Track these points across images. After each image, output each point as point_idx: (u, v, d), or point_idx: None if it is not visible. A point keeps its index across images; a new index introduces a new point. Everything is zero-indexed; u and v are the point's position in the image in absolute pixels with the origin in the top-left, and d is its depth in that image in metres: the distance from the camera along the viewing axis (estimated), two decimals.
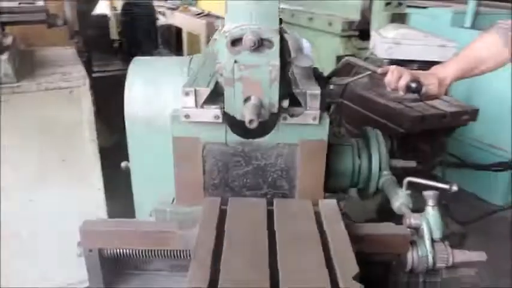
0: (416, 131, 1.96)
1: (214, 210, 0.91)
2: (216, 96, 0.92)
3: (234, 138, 0.95)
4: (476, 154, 2.94)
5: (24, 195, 1.78)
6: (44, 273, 1.93)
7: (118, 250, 0.95)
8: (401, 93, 1.26)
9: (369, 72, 1.70)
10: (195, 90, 0.89)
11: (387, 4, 2.36)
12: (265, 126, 0.92)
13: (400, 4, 2.37)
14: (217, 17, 5.50)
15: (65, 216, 1.88)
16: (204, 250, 0.78)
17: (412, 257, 0.95)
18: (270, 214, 0.91)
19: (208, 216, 0.89)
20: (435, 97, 1.30)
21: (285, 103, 0.85)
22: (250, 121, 0.75)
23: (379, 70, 1.31)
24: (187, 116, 0.91)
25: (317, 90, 0.89)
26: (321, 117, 0.91)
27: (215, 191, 1.00)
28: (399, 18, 2.38)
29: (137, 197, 1.53)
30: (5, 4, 1.69)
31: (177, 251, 0.94)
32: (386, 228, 0.95)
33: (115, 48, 3.62)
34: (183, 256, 0.95)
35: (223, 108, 0.89)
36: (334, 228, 0.86)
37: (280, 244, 0.80)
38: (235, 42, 0.81)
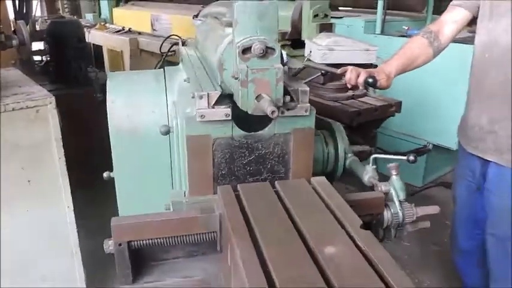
0: (354, 125, 2.26)
1: (231, 194, 1.07)
2: (221, 98, 1.08)
3: (238, 132, 1.12)
4: (397, 144, 3.38)
5: None
6: None
7: (143, 242, 1.06)
8: (360, 87, 1.52)
9: (319, 74, 1.96)
10: (208, 94, 1.05)
11: (315, 16, 2.66)
12: (265, 120, 1.11)
13: (326, 16, 2.69)
14: (139, 33, 5.53)
15: (33, 238, 1.87)
16: (239, 224, 0.94)
17: (387, 215, 1.19)
18: (276, 193, 1.09)
19: (228, 200, 1.04)
20: (385, 88, 1.57)
21: (286, 98, 1.04)
22: (273, 112, 0.93)
23: (339, 71, 1.56)
24: (202, 116, 1.06)
25: (307, 88, 1.10)
26: (310, 109, 1.11)
27: (223, 180, 1.15)
28: (326, 28, 2.70)
29: (121, 205, 1.61)
30: None
31: (197, 235, 1.08)
32: (366, 194, 1.18)
33: (40, 68, 3.52)
34: (203, 240, 1.09)
35: (231, 107, 1.06)
36: (333, 197, 1.07)
37: (298, 216, 0.98)
38: (245, 51, 0.98)
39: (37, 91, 1.82)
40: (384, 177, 1.27)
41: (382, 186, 1.22)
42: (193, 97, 1.08)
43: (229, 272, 0.98)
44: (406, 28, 3.58)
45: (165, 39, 4.47)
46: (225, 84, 1.09)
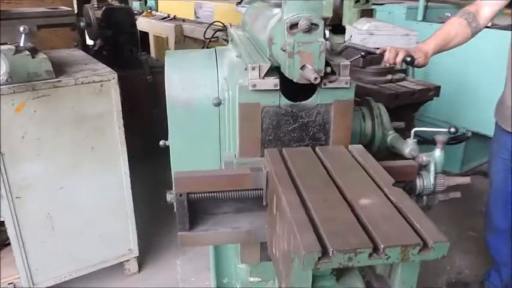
0: (391, 107, 2.34)
1: (277, 156, 1.21)
2: (270, 70, 1.22)
3: (285, 101, 1.25)
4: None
5: (56, 183, 1.97)
6: (73, 253, 2.12)
7: (200, 195, 1.22)
8: (398, 66, 1.62)
9: (358, 57, 2.05)
10: (259, 66, 1.19)
11: (356, 2, 2.74)
12: (308, 91, 1.24)
13: (367, 1, 2.77)
14: (184, 20, 5.74)
15: (94, 200, 2.09)
16: (284, 178, 1.08)
17: (419, 182, 1.29)
18: (317, 156, 1.22)
19: (275, 159, 1.18)
20: (423, 66, 1.66)
21: (328, 69, 1.17)
22: (315, 78, 1.06)
23: (378, 51, 1.66)
24: (254, 86, 1.20)
25: (348, 62, 1.22)
26: (350, 82, 1.23)
27: (270, 145, 1.29)
28: (367, 14, 2.78)
29: (175, 170, 1.79)
30: (36, 9, 1.88)
31: (246, 191, 1.22)
32: (400, 162, 1.29)
33: (94, 52, 3.77)
34: (251, 196, 1.24)
35: (279, 77, 1.20)
36: (368, 161, 1.19)
37: (336, 174, 1.10)
38: (292, 26, 1.11)
39: (101, 68, 2.03)
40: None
41: (424, 157, 1.32)
42: (245, 69, 1.23)
43: (273, 222, 1.13)
44: (449, 15, 3.57)
45: (208, 26, 4.66)
46: (273, 58, 1.23)
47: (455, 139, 3.49)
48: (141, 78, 3.36)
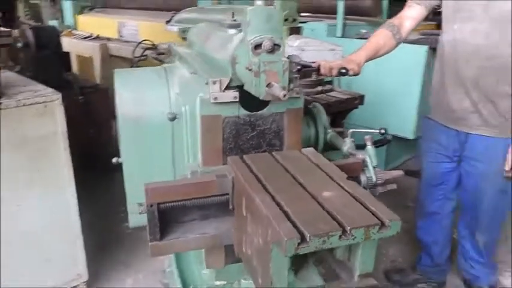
0: None
1: (240, 162, 1.31)
2: (229, 84, 1.33)
3: (243, 112, 1.37)
4: (360, 135, 3.71)
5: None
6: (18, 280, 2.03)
7: (170, 204, 1.28)
8: (332, 77, 1.81)
9: (295, 70, 2.23)
10: (220, 80, 1.29)
11: (285, 20, 2.96)
12: (264, 102, 1.36)
13: (294, 20, 2.99)
14: (108, 39, 5.65)
15: (40, 224, 2.03)
16: (252, 181, 1.18)
17: (363, 177, 1.47)
18: (276, 160, 1.34)
19: (239, 165, 1.28)
20: (356, 75, 1.85)
21: (291, 86, 1.30)
22: (284, 95, 1.17)
23: (314, 64, 1.84)
24: (215, 98, 1.30)
25: (297, 74, 1.37)
26: (299, 92, 1.38)
27: (231, 153, 1.40)
28: (295, 31, 3.00)
29: (129, 188, 1.81)
30: None
31: (214, 196, 1.31)
32: (348, 160, 1.46)
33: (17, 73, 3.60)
34: (218, 201, 1.32)
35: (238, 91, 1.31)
36: (321, 161, 1.33)
37: (297, 174, 1.23)
38: (257, 47, 1.22)
39: (42, 89, 1.99)
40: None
41: (360, 155, 1.50)
42: (206, 83, 1.32)
43: (243, 224, 1.22)
44: (364, 32, 3.96)
45: (137, 45, 4.65)
46: (235, 76, 1.33)
47: (379, 142, 3.86)
48: (72, 99, 3.27)
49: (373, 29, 4.13)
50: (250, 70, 1.21)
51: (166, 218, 1.34)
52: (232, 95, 1.31)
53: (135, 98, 1.71)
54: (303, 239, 0.93)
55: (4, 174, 1.85)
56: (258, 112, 1.39)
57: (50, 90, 1.98)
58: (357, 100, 2.69)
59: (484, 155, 1.96)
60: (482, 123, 1.92)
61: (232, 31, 1.49)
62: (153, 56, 4.72)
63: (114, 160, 1.81)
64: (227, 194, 1.32)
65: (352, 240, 0.97)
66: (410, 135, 3.58)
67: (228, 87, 1.31)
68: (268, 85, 1.22)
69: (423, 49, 3.36)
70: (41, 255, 2.07)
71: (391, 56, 3.00)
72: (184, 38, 3.57)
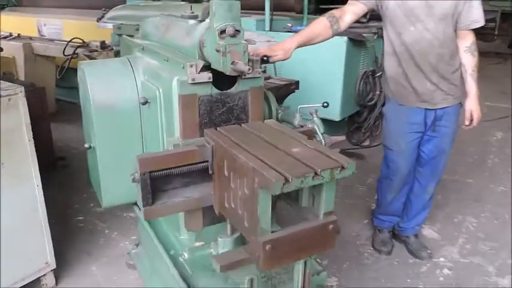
0: None
1: (217, 133, 1.54)
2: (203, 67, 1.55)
3: (215, 91, 1.60)
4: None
5: None
6: None
7: (159, 173, 1.47)
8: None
9: None
10: (196, 64, 1.51)
11: None
12: (234, 80, 1.61)
13: None
14: (31, 38, 5.45)
15: (8, 216, 2.08)
16: (231, 144, 1.42)
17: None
18: (245, 130, 1.59)
19: (217, 135, 1.51)
20: (284, 60, 2.08)
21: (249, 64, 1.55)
22: (249, 69, 1.42)
23: None
24: (193, 79, 1.51)
25: (258, 58, 1.62)
26: (260, 73, 1.64)
27: (206, 126, 1.61)
28: None
29: (102, 169, 1.95)
30: None
31: (196, 164, 1.52)
32: (303, 128, 1.75)
33: None
34: (200, 168, 1.54)
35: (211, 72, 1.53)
36: (283, 128, 1.61)
37: (268, 138, 1.49)
38: (222, 32, 1.46)
39: (3, 84, 2.04)
40: None
41: (309, 124, 1.80)
42: (183, 67, 1.53)
43: (226, 183, 1.46)
44: (290, 25, 4.33)
45: (68, 43, 4.61)
46: (202, 57, 1.56)
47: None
48: None
49: (297, 23, 4.54)
50: (218, 51, 1.45)
51: (153, 187, 1.53)
52: (207, 76, 1.54)
53: (106, 87, 1.87)
54: (286, 180, 1.19)
55: None
56: (227, 91, 1.62)
57: (11, 84, 2.03)
58: (294, 86, 3.01)
59: (447, 121, 2.45)
60: (444, 97, 2.39)
61: (192, 21, 1.72)
62: (84, 53, 4.71)
63: (86, 145, 1.94)
64: (206, 161, 1.54)
65: (322, 179, 1.25)
66: (336, 117, 4.01)
67: (202, 70, 1.53)
68: (233, 63, 1.46)
69: (343, 40, 3.80)
70: (11, 247, 2.11)
71: (316, 46, 3.40)
72: (119, 34, 3.68)
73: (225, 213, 1.54)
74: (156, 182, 1.52)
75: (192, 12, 1.82)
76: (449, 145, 2.58)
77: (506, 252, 2.79)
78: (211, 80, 1.56)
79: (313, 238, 1.41)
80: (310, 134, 1.75)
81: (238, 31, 1.48)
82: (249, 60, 1.56)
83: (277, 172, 1.23)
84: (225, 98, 1.63)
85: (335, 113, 4.01)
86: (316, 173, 1.25)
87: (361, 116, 4.56)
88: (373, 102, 4.49)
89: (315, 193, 1.45)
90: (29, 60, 5.14)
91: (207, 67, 1.56)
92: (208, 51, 1.52)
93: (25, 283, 2.22)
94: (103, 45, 4.50)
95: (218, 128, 1.59)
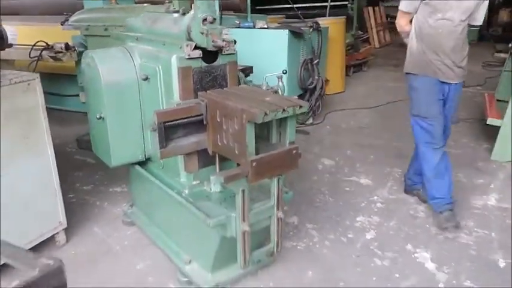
0: None
1: (207, 94, 2.13)
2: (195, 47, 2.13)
3: (204, 64, 2.19)
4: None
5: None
6: (16, 231, 2.48)
7: (169, 123, 2.03)
8: None
9: None
10: (190, 44, 2.09)
11: None
12: (216, 56, 2.21)
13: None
14: None
15: (29, 182, 2.52)
16: (224, 98, 2.02)
17: None
18: (227, 91, 2.20)
19: (209, 95, 2.10)
20: None
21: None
22: (226, 44, 2.03)
23: None
24: (189, 55, 2.09)
25: (232, 40, 2.24)
26: (234, 51, 2.25)
27: (198, 91, 2.20)
28: None
29: (111, 134, 2.46)
30: None
31: (195, 116, 2.09)
32: (271, 90, 2.38)
33: None
34: (196, 121, 2.11)
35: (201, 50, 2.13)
36: (255, 88, 2.23)
37: (246, 94, 2.11)
38: (203, 21, 2.05)
39: (18, 72, 2.48)
40: None
41: (276, 87, 2.44)
42: (180, 47, 2.11)
43: (219, 127, 2.05)
44: (238, 22, 4.97)
45: (32, 46, 4.94)
46: (190, 40, 2.14)
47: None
48: None
49: (243, 20, 5.19)
50: (202, 34, 2.05)
51: (164, 135, 2.09)
52: (198, 52, 2.13)
53: (112, 69, 2.40)
54: (265, 114, 1.82)
55: (6, 136, 2.33)
56: (212, 64, 2.22)
57: (28, 72, 2.49)
58: (248, 70, 3.65)
59: (457, 91, 3.03)
60: (454, 75, 2.93)
61: (176, 15, 2.31)
62: (49, 55, 5.07)
63: (97, 115, 2.45)
64: (201, 114, 2.12)
65: (287, 113, 1.89)
66: None
67: (194, 48, 2.12)
68: (213, 41, 2.07)
69: (285, 32, 4.50)
70: (32, 209, 2.55)
71: (262, 38, 4.11)
72: (87, 35, 4.16)
73: (218, 150, 2.13)
74: (166, 132, 2.08)
75: (175, 9, 2.40)
76: (457, 102, 3.14)
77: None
78: (201, 55, 2.15)
79: (283, 160, 2.05)
80: (275, 92, 2.39)
81: (215, 19, 2.10)
82: (224, 40, 2.17)
83: (259, 109, 1.85)
84: (211, 70, 2.23)
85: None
86: (283, 109, 1.89)
87: (304, 98, 5.30)
88: (313, 85, 5.26)
89: (281, 131, 2.09)
90: None
91: (196, 47, 2.15)
92: (194, 34, 2.11)
93: (43, 239, 2.66)
94: (67, 47, 4.87)
95: (207, 91, 2.19)
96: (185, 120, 2.10)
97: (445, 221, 3.00)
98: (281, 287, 2.46)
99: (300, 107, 1.95)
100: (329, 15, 7.50)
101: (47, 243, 2.74)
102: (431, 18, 2.85)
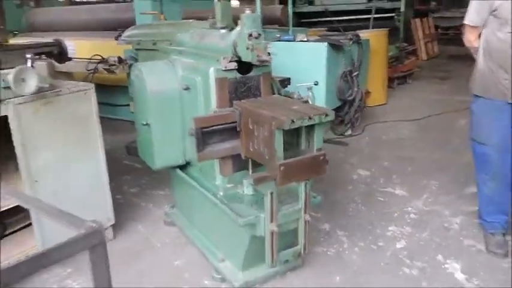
0: None
1: (241, 103, 2.30)
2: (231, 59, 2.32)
3: (239, 75, 2.37)
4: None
5: (58, 167, 2.64)
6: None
7: (206, 129, 2.22)
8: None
9: None
10: (227, 57, 2.28)
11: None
12: (251, 68, 2.39)
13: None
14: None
15: (82, 179, 2.80)
16: (257, 107, 2.18)
17: None
18: (260, 100, 2.36)
19: (243, 104, 2.27)
20: None
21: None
22: (270, 58, 2.20)
23: None
24: (225, 67, 2.28)
25: (270, 52, 2.41)
26: (269, 63, 2.42)
27: (233, 100, 2.38)
28: None
29: (155, 139, 2.70)
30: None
31: (230, 123, 2.27)
32: (301, 100, 2.53)
33: None
34: (230, 127, 2.29)
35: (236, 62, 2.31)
36: (287, 98, 2.38)
37: (277, 103, 2.26)
38: (249, 36, 2.23)
39: (80, 83, 2.78)
40: None
41: (307, 97, 2.58)
42: (217, 60, 2.31)
43: (251, 134, 2.21)
44: (278, 35, 5.16)
45: (89, 60, 5.38)
46: (235, 54, 2.32)
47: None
48: None
49: (284, 34, 5.37)
50: (248, 49, 2.22)
51: (201, 140, 2.28)
52: (234, 64, 2.32)
53: (157, 80, 2.64)
54: (292, 121, 1.96)
55: (64, 140, 2.62)
56: (247, 75, 2.40)
57: (85, 83, 2.78)
58: (286, 81, 3.80)
59: None
60: None
61: (223, 31, 2.51)
62: (104, 67, 5.49)
63: (143, 122, 2.70)
64: (235, 122, 2.30)
65: (314, 121, 2.02)
66: None
67: (231, 61, 2.31)
68: (258, 56, 2.24)
69: (324, 45, 4.63)
70: (85, 204, 2.82)
71: (301, 51, 4.23)
72: (138, 49, 4.49)
73: (250, 155, 2.30)
74: (203, 137, 2.27)
75: (222, 26, 2.60)
76: None
77: (459, 201, 3.57)
78: (236, 67, 2.33)
79: (310, 165, 2.17)
80: (305, 102, 2.53)
81: (260, 34, 2.27)
82: (269, 54, 2.34)
83: (286, 117, 2.00)
84: (245, 80, 2.41)
85: (321, 104, 4.80)
86: (310, 117, 2.02)
87: (343, 110, 5.38)
88: (352, 97, 5.33)
89: (310, 138, 2.22)
90: (52, 78, 5.86)
91: (233, 59, 2.34)
92: (240, 49, 2.28)
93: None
94: (120, 60, 5.26)
95: (242, 101, 2.36)
96: (221, 126, 2.29)
97: (496, 246, 2.84)
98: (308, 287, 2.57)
99: (326, 115, 2.08)
100: (375, 27, 7.53)
101: None
102: (501, 31, 2.56)
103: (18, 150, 2.42)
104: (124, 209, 3.56)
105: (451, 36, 13.52)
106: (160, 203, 3.70)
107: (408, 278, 2.64)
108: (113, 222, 3.04)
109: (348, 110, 5.38)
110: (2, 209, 2.43)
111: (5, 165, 2.76)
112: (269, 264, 2.29)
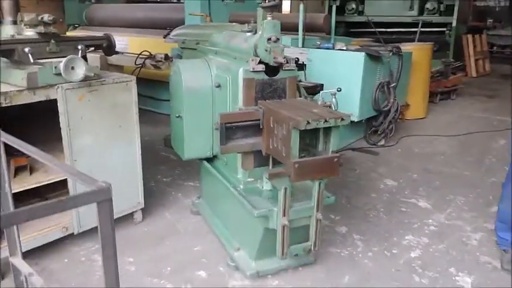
0: None
1: (266, 103, 2.46)
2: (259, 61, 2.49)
3: (266, 77, 2.53)
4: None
5: (98, 150, 2.91)
6: None
7: (230, 124, 2.40)
8: None
9: None
10: (255, 59, 2.45)
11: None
12: (278, 71, 2.54)
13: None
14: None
15: (119, 163, 3.05)
16: (278, 107, 2.33)
17: None
18: (284, 102, 2.51)
19: (267, 104, 2.43)
20: None
21: (285, 60, 2.48)
22: (285, 62, 2.35)
23: None
24: (253, 68, 2.45)
25: (294, 57, 2.55)
26: (294, 67, 2.56)
27: (259, 100, 2.54)
28: None
29: (186, 131, 2.90)
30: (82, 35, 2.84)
31: (254, 120, 2.43)
32: (325, 105, 2.65)
33: None
34: (254, 124, 2.45)
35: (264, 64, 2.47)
36: (310, 101, 2.51)
37: (300, 104, 2.40)
38: (268, 40, 2.39)
39: (122, 75, 3.04)
40: None
41: (330, 103, 2.70)
42: (247, 61, 2.48)
43: (271, 131, 2.36)
44: (319, 43, 5.28)
45: (138, 55, 5.71)
46: (256, 55, 2.49)
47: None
48: None
49: (325, 41, 5.49)
50: (266, 51, 2.39)
51: (226, 135, 2.46)
52: (261, 67, 2.48)
53: (193, 77, 2.85)
54: (308, 122, 2.10)
55: (104, 125, 2.89)
56: (274, 77, 2.56)
57: (127, 75, 3.04)
58: (318, 87, 3.93)
59: None
60: None
61: (249, 34, 2.68)
62: (151, 63, 5.81)
63: (177, 115, 2.91)
64: (258, 119, 2.46)
65: (329, 124, 2.15)
66: (355, 118, 4.87)
67: (258, 63, 2.48)
68: (274, 58, 2.39)
69: (362, 54, 4.70)
70: (119, 186, 3.06)
71: (339, 59, 4.32)
72: (183, 48, 4.74)
73: (270, 152, 2.45)
74: (228, 132, 2.45)
75: (248, 29, 2.79)
76: None
77: (483, 218, 3.54)
78: (264, 69, 2.50)
79: (324, 165, 2.30)
80: (329, 107, 2.65)
81: (278, 39, 2.43)
82: (285, 58, 2.50)
83: (303, 118, 2.13)
84: (272, 82, 2.56)
85: (354, 115, 4.88)
86: (325, 120, 2.15)
87: (378, 120, 5.41)
88: (387, 108, 5.35)
89: (327, 140, 2.34)
90: (104, 69, 6.27)
91: (261, 61, 2.50)
92: (259, 51, 2.46)
93: (124, 214, 3.17)
94: (166, 57, 5.56)
95: (267, 101, 2.52)
96: (245, 123, 2.45)
97: (508, 263, 2.85)
98: (316, 287, 2.68)
99: (342, 119, 2.19)
100: (424, 41, 7.45)
101: (127, 218, 3.25)
102: None
103: (63, 132, 2.70)
104: (155, 196, 3.81)
105: (506, 55, 13.05)
106: (189, 193, 3.91)
107: (417, 286, 2.68)
108: (142, 206, 3.28)
109: (382, 121, 5.41)
110: (44, 183, 2.71)
111: (53, 146, 3.05)
112: (279, 256, 2.43)
